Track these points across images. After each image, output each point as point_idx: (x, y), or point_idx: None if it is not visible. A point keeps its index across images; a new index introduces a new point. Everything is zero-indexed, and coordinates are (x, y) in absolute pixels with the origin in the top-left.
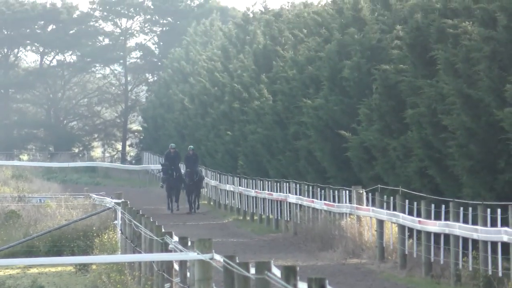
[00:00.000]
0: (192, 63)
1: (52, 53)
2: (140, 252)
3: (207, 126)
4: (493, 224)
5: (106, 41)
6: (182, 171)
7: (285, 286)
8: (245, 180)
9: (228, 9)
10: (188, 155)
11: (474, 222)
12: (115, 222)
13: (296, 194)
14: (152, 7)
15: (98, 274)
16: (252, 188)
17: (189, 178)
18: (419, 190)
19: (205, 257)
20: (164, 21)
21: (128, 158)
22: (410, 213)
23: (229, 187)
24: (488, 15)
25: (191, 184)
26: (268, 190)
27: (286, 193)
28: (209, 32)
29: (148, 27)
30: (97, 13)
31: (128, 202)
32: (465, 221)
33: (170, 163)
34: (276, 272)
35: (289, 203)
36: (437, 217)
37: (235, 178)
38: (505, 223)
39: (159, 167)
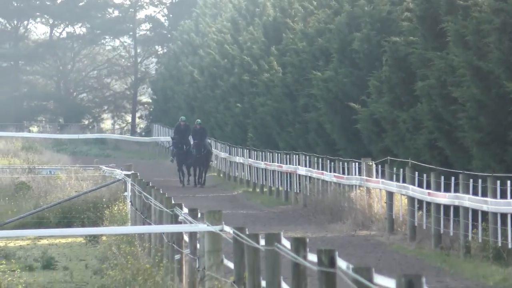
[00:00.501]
0: (201, 35)
1: (62, 25)
2: (150, 224)
3: (216, 98)
4: (503, 196)
5: (116, 13)
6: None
7: (294, 258)
8: (255, 152)
9: None
10: (195, 129)
11: (484, 194)
12: (125, 193)
13: (305, 166)
14: None
15: (108, 246)
16: (262, 160)
17: (197, 150)
18: (429, 162)
19: (215, 228)
20: None
21: (138, 130)
22: (420, 185)
23: (238, 159)
24: None
25: (198, 157)
26: (277, 162)
27: (296, 165)
28: (218, 4)
29: None
30: None
31: (138, 174)
32: (475, 193)
33: (180, 136)
34: (286, 243)
35: (299, 175)
36: (447, 189)
37: (245, 150)
38: None
39: (169, 139)
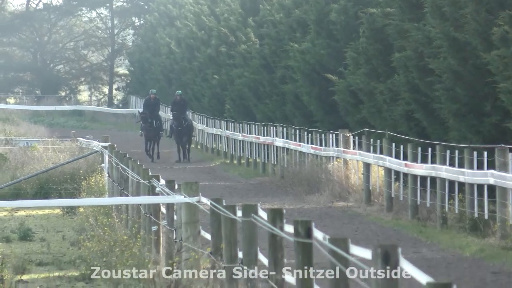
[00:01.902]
0: (178, 7)
1: None
2: (127, 195)
3: (193, 70)
4: (480, 167)
5: None
6: (164, 115)
7: (271, 229)
8: (232, 124)
9: None
10: (176, 100)
11: (461, 165)
12: (102, 165)
13: (283, 138)
14: None
15: (85, 217)
16: (239, 132)
17: (177, 122)
18: (406, 133)
19: (192, 200)
20: None
21: (115, 102)
22: (397, 156)
23: (216, 130)
24: None
25: (180, 130)
26: (255, 134)
27: (273, 137)
28: None
29: None
30: None
31: (115, 146)
32: (452, 164)
33: (150, 111)
34: (263, 215)
35: (276, 146)
36: (424, 160)
37: (222, 122)
38: (491, 165)
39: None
